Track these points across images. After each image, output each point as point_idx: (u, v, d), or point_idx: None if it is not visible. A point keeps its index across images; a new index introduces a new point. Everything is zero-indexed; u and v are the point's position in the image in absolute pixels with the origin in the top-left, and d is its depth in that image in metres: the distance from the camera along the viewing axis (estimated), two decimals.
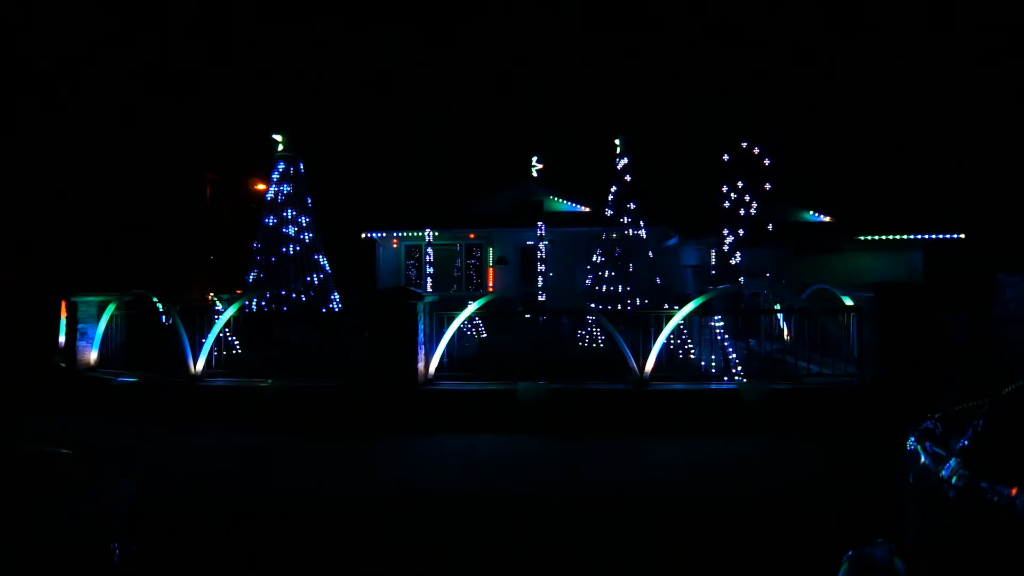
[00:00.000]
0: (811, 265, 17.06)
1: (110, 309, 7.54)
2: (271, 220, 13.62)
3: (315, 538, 3.67)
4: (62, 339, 7.94)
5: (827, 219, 18.81)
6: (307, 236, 13.84)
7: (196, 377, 6.81)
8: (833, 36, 39.27)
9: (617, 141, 15.10)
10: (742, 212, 13.47)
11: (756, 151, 13.67)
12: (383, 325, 6.32)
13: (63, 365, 7.70)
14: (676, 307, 6.99)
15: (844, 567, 2.14)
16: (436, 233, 18.82)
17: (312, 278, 13.57)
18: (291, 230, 13.60)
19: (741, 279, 12.53)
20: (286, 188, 13.82)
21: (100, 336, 7.54)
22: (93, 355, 7.54)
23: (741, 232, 13.42)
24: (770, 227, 13.32)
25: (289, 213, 13.69)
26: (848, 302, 6.87)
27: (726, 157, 13.77)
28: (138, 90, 37.47)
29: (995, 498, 1.44)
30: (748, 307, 10.46)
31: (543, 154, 21.37)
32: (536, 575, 3.24)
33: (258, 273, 13.30)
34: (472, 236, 19.93)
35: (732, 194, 13.66)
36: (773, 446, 5.36)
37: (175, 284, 13.06)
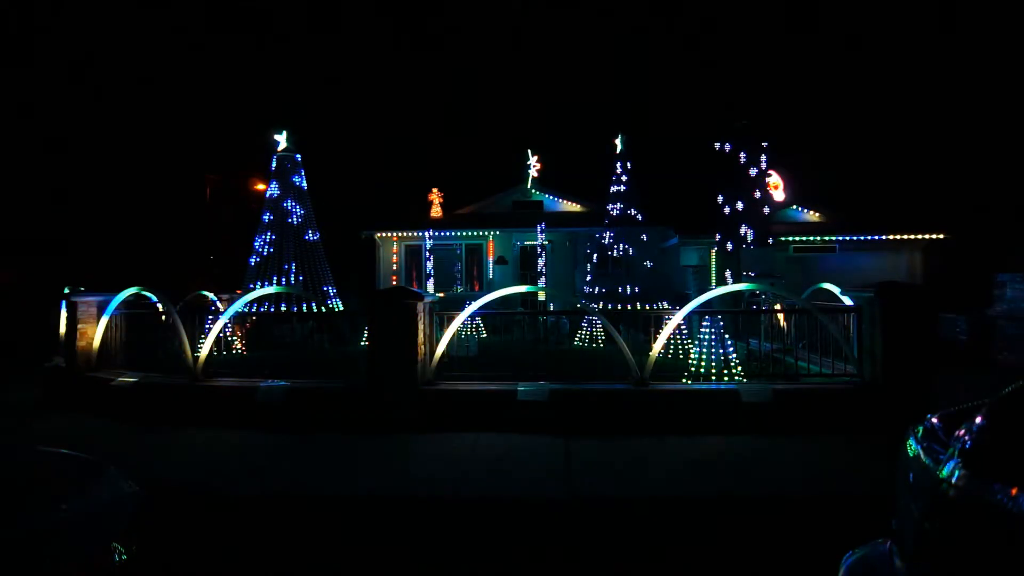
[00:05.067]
0: (811, 265, 17.08)
1: (110, 309, 7.54)
2: (270, 219, 13.63)
3: (315, 538, 3.67)
4: (62, 339, 7.93)
5: (827, 219, 18.81)
6: (307, 236, 13.85)
7: (196, 377, 6.81)
8: (834, 35, 39.27)
9: (617, 141, 15.11)
10: (742, 212, 13.46)
11: (755, 150, 13.65)
12: (383, 325, 6.32)
13: (63, 365, 7.70)
14: (676, 307, 7.00)
15: (844, 567, 2.14)
16: (436, 233, 18.85)
17: (311, 278, 13.58)
18: (290, 230, 13.62)
19: (742, 278, 12.53)
20: (285, 188, 13.83)
21: (100, 336, 7.54)
22: (93, 355, 7.53)
23: (741, 232, 13.42)
24: (770, 227, 13.32)
25: (289, 213, 13.71)
26: (848, 302, 6.87)
27: (724, 154, 13.76)
28: (138, 90, 37.47)
29: (995, 498, 1.44)
30: (748, 307, 10.47)
31: (544, 154, 21.39)
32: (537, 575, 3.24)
33: (257, 273, 13.31)
34: (472, 236, 19.94)
35: (732, 194, 13.66)
36: (773, 446, 5.35)
37: (175, 284, 13.05)
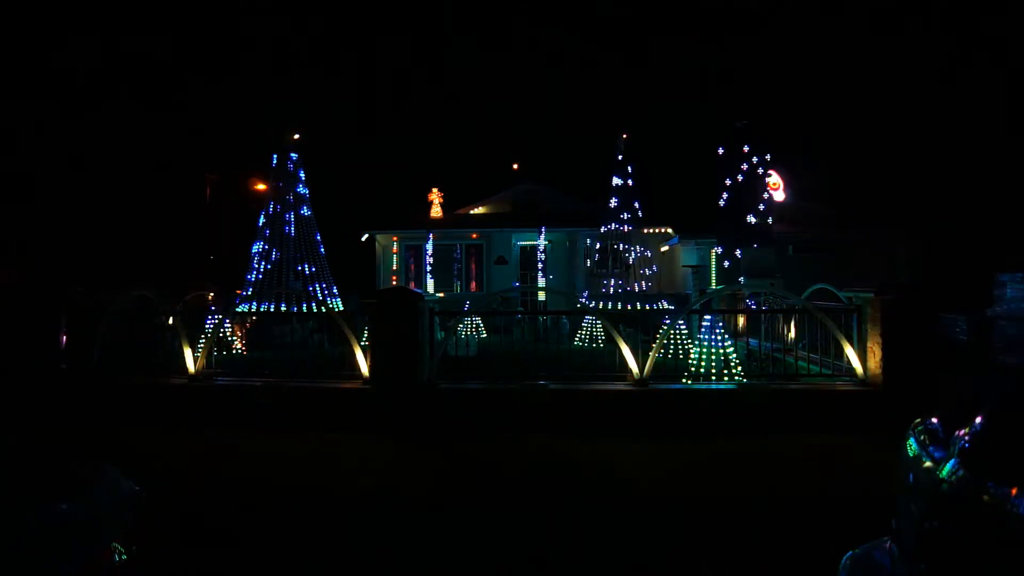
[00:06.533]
0: (811, 264, 17.06)
1: (110, 309, 7.54)
2: (270, 219, 13.64)
3: (315, 538, 3.67)
4: (62, 339, 7.93)
5: (827, 219, 18.80)
6: (306, 236, 13.86)
7: (195, 377, 6.81)
8: (835, 33, 39.30)
9: (617, 141, 15.11)
10: (742, 212, 13.46)
11: (755, 150, 13.64)
12: (383, 325, 6.32)
13: (63, 365, 7.69)
14: (676, 307, 7.00)
15: (844, 566, 2.14)
16: (436, 233, 18.84)
17: (311, 278, 13.59)
18: (290, 230, 13.62)
19: (741, 279, 12.53)
20: (285, 188, 13.84)
21: (100, 336, 7.53)
22: (93, 356, 7.53)
23: (741, 232, 13.41)
24: (770, 227, 13.29)
25: (289, 213, 13.71)
26: (848, 302, 6.86)
27: (723, 152, 13.76)
28: (139, 90, 37.48)
29: (995, 498, 1.44)
30: (748, 307, 10.47)
31: (544, 154, 21.39)
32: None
33: (257, 273, 13.32)
34: (472, 236, 19.92)
35: (732, 194, 13.65)
36: (773, 446, 5.36)
37: (175, 284, 13.05)
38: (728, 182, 13.61)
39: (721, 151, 13.73)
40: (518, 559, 3.37)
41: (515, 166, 21.15)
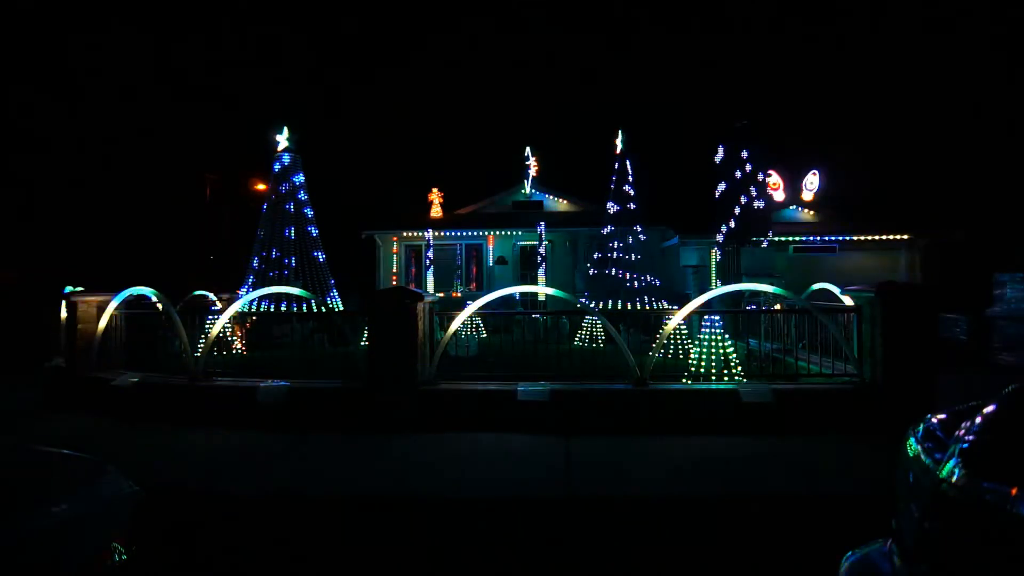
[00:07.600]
0: (811, 265, 17.06)
1: (110, 309, 7.54)
2: (270, 220, 13.64)
3: (315, 538, 3.67)
4: (62, 339, 7.93)
5: (828, 219, 18.79)
6: (306, 236, 13.86)
7: (196, 377, 6.81)
8: (836, 32, 39.30)
9: (617, 141, 15.11)
10: (742, 212, 13.43)
11: (755, 150, 13.62)
12: (383, 325, 6.32)
13: (63, 365, 7.69)
14: (676, 307, 7.00)
15: (844, 567, 2.14)
16: (436, 233, 18.84)
17: (311, 278, 13.59)
18: (290, 230, 13.62)
19: (742, 278, 12.52)
20: (285, 188, 13.84)
21: (100, 336, 7.53)
22: (93, 355, 7.53)
23: (741, 232, 13.39)
24: (770, 227, 13.26)
25: (289, 213, 13.71)
26: (848, 302, 6.86)
27: (723, 154, 13.73)
28: (139, 90, 37.48)
29: (995, 498, 1.44)
30: (748, 307, 10.46)
31: (543, 154, 21.35)
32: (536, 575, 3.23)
33: (257, 272, 13.32)
34: (472, 236, 19.92)
35: (732, 194, 13.63)
36: (773, 446, 5.35)
37: (175, 284, 13.05)
38: (728, 182, 13.56)
39: (721, 151, 13.69)
40: (516, 563, 3.37)
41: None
